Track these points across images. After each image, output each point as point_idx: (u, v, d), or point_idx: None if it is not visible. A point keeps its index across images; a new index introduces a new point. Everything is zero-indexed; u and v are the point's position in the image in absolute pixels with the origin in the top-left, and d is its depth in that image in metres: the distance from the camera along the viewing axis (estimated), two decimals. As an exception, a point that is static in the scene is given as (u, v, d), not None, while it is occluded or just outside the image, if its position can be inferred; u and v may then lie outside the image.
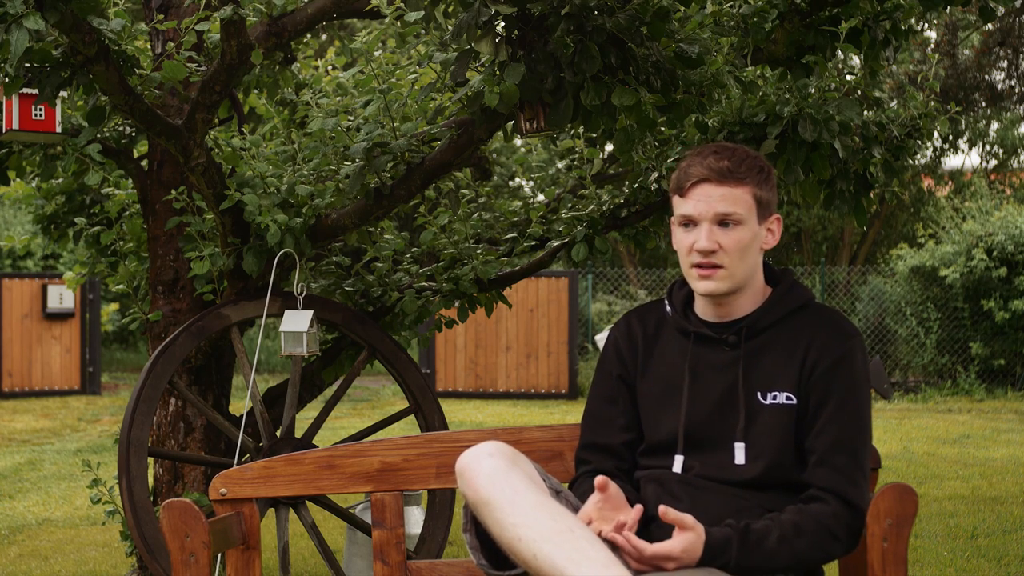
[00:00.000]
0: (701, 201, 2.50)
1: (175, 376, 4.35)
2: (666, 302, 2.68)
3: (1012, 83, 17.56)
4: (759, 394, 2.50)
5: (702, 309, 2.61)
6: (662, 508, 2.31)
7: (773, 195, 2.57)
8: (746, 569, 2.35)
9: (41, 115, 4.33)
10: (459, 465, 2.42)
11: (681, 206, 2.54)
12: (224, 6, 3.81)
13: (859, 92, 4.36)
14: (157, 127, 3.96)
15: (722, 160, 2.51)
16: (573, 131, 4.87)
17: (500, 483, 2.34)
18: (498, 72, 3.72)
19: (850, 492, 2.42)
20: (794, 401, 2.48)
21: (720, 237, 2.50)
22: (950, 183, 20.77)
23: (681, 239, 2.55)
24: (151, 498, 4.56)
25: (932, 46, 17.42)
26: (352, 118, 4.53)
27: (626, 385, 2.63)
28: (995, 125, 20.58)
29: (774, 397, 2.49)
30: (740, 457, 2.48)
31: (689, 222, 2.53)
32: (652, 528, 2.52)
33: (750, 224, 2.52)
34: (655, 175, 4.62)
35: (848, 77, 4.37)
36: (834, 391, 2.47)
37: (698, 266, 2.51)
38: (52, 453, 10.02)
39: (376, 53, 4.60)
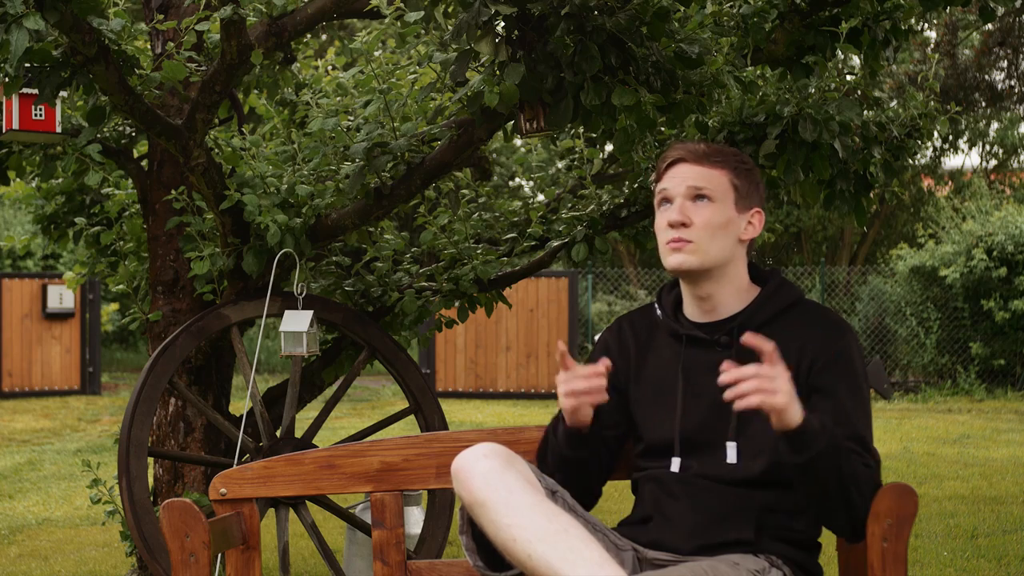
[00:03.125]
0: (676, 178, 2.57)
1: (175, 376, 4.35)
2: (656, 305, 2.68)
3: (1012, 83, 17.56)
4: None
5: (690, 310, 2.61)
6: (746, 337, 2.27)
7: (755, 189, 2.59)
8: (818, 468, 2.30)
9: (41, 115, 4.33)
10: (454, 466, 2.42)
11: (658, 186, 2.61)
12: (224, 6, 3.81)
13: (859, 92, 4.36)
14: (157, 127, 3.96)
15: (700, 145, 2.58)
16: (573, 131, 4.87)
17: (495, 484, 2.34)
18: (498, 72, 3.72)
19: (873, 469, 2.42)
20: None
21: (691, 211, 2.53)
22: (950, 183, 20.78)
23: (658, 219, 2.60)
24: (151, 498, 4.56)
25: (932, 46, 17.43)
26: (352, 118, 4.53)
27: (615, 390, 2.61)
28: (995, 125, 20.58)
29: None
30: (732, 456, 2.47)
31: (665, 200, 2.58)
32: (650, 527, 2.51)
33: (724, 205, 2.54)
34: (655, 175, 4.61)
35: (848, 77, 4.37)
36: (837, 386, 2.46)
37: (670, 241, 2.54)
38: (52, 453, 10.02)
39: (376, 53, 4.60)
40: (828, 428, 2.32)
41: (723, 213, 2.54)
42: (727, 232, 2.54)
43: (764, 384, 2.22)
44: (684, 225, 2.52)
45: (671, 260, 2.55)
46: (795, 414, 2.26)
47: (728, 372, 2.24)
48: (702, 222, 2.52)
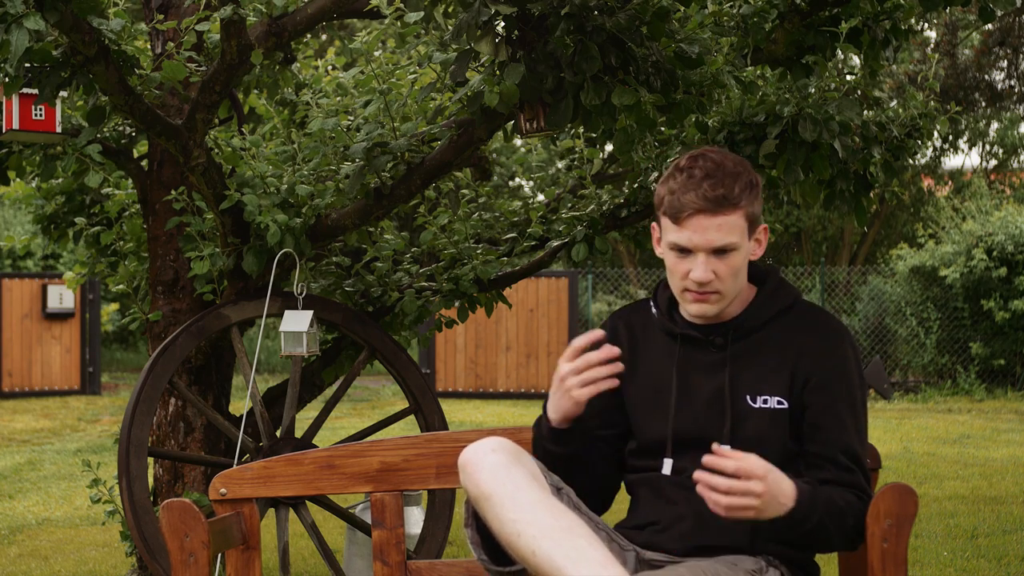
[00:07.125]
0: (697, 233, 2.43)
1: (175, 376, 4.35)
2: (651, 303, 2.65)
3: (1012, 83, 17.57)
4: (748, 397, 2.47)
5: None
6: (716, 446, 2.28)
7: (760, 205, 2.54)
8: (811, 534, 2.35)
9: (41, 115, 4.33)
10: (462, 459, 2.41)
11: (674, 233, 2.46)
12: (224, 6, 3.81)
13: (859, 92, 4.36)
14: (157, 127, 3.96)
15: (717, 189, 2.42)
16: (573, 131, 4.88)
17: (502, 478, 2.34)
18: (498, 72, 3.72)
19: (864, 486, 2.43)
20: (786, 406, 2.46)
21: (716, 266, 2.45)
22: (950, 183, 20.78)
23: (674, 264, 2.49)
24: (151, 498, 4.56)
25: (932, 46, 17.43)
26: (352, 118, 4.53)
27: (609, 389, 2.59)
28: (995, 125, 20.59)
29: (764, 401, 2.46)
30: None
31: (684, 250, 2.47)
32: (648, 531, 2.51)
33: (743, 247, 2.48)
34: (655, 175, 4.62)
35: (848, 77, 4.37)
36: (834, 395, 2.45)
37: (692, 292, 2.48)
38: (52, 453, 10.02)
39: (376, 53, 4.61)
40: (817, 501, 2.33)
41: (743, 253, 2.48)
42: (744, 266, 2.51)
43: (735, 502, 2.25)
44: (709, 282, 2.47)
45: (693, 308, 2.49)
46: (780, 507, 2.29)
47: (701, 484, 2.26)
48: (726, 272, 2.46)
